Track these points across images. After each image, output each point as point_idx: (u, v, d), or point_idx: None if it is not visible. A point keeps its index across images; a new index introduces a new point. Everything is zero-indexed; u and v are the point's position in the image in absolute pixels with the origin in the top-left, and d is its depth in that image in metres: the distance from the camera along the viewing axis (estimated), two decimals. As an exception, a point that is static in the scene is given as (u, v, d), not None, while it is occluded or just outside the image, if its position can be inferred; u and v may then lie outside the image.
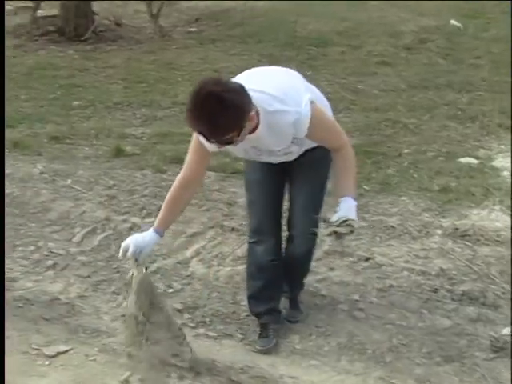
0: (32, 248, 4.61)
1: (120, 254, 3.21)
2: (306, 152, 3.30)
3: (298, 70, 3.28)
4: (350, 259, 4.40)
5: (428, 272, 4.31)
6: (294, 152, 3.23)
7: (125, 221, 4.86)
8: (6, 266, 4.36)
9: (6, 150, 5.96)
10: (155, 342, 3.22)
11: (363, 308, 3.94)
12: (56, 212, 5.07)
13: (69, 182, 5.52)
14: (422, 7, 12.30)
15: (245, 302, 3.93)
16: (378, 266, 4.36)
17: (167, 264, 4.40)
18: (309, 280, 4.01)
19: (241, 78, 3.02)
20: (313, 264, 4.12)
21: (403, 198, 5.29)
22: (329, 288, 4.13)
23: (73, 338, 3.66)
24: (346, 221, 2.97)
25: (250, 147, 3.13)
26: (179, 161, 5.64)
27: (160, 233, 3.25)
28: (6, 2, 13.14)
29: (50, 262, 4.42)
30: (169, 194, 3.30)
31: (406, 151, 6.19)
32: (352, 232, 3.02)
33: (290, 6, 12.57)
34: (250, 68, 3.25)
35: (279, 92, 2.94)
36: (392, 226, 4.85)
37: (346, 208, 3.03)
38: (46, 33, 11.50)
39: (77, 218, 4.94)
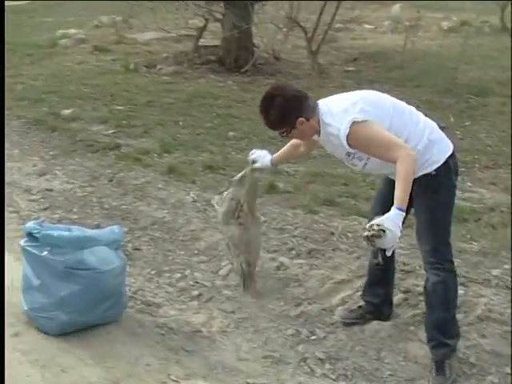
0: (178, 276, 4.64)
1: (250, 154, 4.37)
2: (416, 180, 3.44)
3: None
4: (504, 328, 4.13)
5: None
6: (359, 166, 3.64)
7: (273, 259, 4.79)
8: (152, 291, 4.42)
9: (162, 175, 6.12)
10: (246, 228, 4.31)
11: (515, 383, 3.66)
12: (205, 242, 5.09)
13: (220, 213, 5.53)
14: None
15: (388, 360, 3.77)
16: (535, 339, 4.05)
17: (312, 309, 4.28)
18: (458, 345, 3.79)
19: (331, 97, 3.67)
20: (464, 329, 3.91)
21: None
22: (479, 356, 3.86)
23: (211, 374, 3.63)
24: (372, 225, 3.20)
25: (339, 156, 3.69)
26: (332, 203, 5.61)
27: (271, 162, 4.26)
28: (166, 28, 13.69)
29: (194, 293, 4.42)
30: (289, 144, 4.18)
31: None
32: (375, 236, 3.17)
33: (450, 51, 12.33)
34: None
35: (336, 110, 3.50)
36: (554, 296, 4.52)
37: (384, 216, 3.24)
38: (206, 62, 11.79)
39: (225, 250, 4.92)
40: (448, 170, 3.58)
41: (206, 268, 4.75)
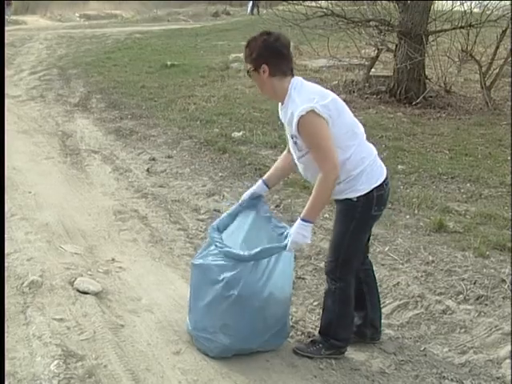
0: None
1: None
2: (338, 200, 3.82)
3: None
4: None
5: None
6: (296, 155, 3.78)
7: (439, 302, 4.61)
8: (313, 323, 4.38)
9: (329, 205, 6.05)
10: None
11: None
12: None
13: (386, 249, 5.40)
14: None
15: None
16: None
17: (477, 359, 4.05)
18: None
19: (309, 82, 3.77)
20: None
21: None
22: None
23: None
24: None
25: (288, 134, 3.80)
26: (503, 248, 5.33)
27: (266, 184, 4.15)
28: (338, 56, 13.74)
29: (356, 329, 4.31)
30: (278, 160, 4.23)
31: None
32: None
33: None
34: None
35: (306, 90, 3.62)
36: None
37: (292, 228, 3.68)
38: (377, 92, 11.72)
39: (390, 288, 4.80)
40: (369, 201, 3.73)
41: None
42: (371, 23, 12.27)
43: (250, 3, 41.12)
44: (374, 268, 5.00)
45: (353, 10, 12.94)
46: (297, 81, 3.68)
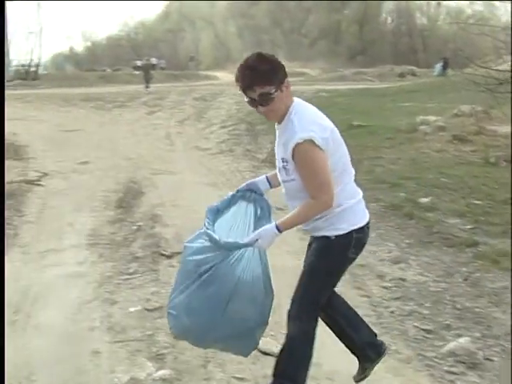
0: None
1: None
2: (316, 238, 3.70)
3: None
4: None
5: None
6: (282, 178, 3.64)
7: None
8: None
9: None
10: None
11: None
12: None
13: None
14: None
15: None
16: None
17: None
18: None
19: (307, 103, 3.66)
20: None
21: None
22: None
23: None
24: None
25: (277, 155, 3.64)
26: None
27: (269, 182, 3.93)
28: None
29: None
30: None
31: None
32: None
33: None
34: None
35: (308, 116, 3.50)
36: None
37: (263, 228, 3.51)
38: None
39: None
40: (348, 241, 3.62)
41: None
42: None
43: (439, 64, 40.74)
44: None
45: (550, 75, 12.45)
46: (299, 102, 3.59)
